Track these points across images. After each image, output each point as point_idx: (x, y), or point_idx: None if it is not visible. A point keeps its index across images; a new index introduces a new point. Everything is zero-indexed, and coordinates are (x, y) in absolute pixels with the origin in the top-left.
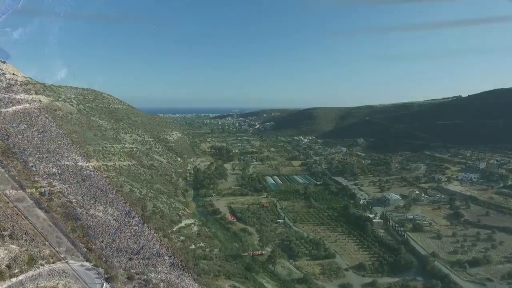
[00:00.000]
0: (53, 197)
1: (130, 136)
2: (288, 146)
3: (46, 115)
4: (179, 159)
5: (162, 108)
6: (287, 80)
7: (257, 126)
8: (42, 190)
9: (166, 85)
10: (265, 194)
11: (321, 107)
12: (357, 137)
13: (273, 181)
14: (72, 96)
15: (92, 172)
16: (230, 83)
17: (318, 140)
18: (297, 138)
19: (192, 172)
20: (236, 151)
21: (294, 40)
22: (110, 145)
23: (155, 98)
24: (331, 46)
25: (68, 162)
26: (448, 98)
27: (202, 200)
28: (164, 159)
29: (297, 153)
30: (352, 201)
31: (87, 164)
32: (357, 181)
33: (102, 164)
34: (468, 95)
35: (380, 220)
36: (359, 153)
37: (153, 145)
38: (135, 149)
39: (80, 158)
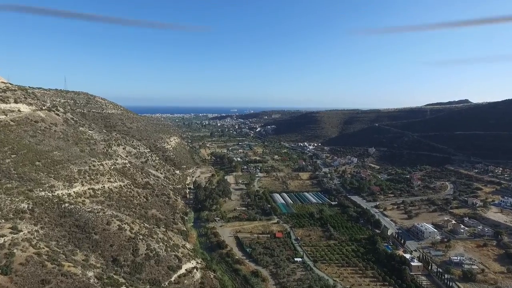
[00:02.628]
0: (15, 249)
1: (123, 149)
2: (293, 154)
3: (25, 128)
4: (177, 171)
5: (161, 107)
6: (285, 79)
7: (258, 129)
8: (1, 240)
9: (165, 84)
10: (275, 218)
11: (323, 109)
12: (367, 145)
13: (282, 200)
14: (62, 101)
15: (73, 205)
16: (228, 83)
17: (325, 148)
18: (301, 144)
19: (192, 187)
20: (239, 159)
21: (295, 39)
22: (99, 163)
23: (154, 97)
24: (336, 46)
25: (43, 193)
26: (453, 102)
27: (205, 227)
28: (161, 173)
29: (304, 163)
30: (377, 231)
31: (69, 192)
32: (377, 203)
33: (88, 189)
34: (488, 102)
35: (420, 263)
36: (372, 164)
37: (149, 157)
38: (128, 165)
39: (61, 183)
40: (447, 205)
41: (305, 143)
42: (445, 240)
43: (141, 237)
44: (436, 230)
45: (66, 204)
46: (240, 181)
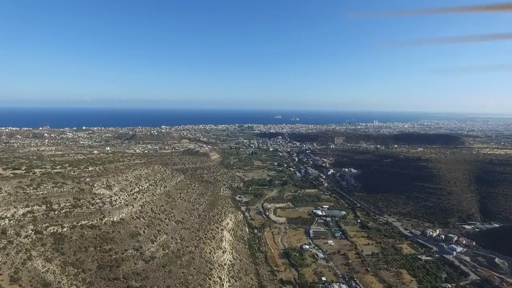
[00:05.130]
0: None
1: None
2: (432, 268)
3: None
4: None
5: (185, 110)
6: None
7: (331, 171)
8: None
9: (204, 87)
10: None
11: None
12: None
13: None
14: None
15: None
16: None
17: (499, 262)
18: (431, 232)
19: None
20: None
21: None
22: None
23: (193, 99)
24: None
25: None
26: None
27: None
28: None
29: None
30: None
31: None
32: None
33: None
34: None
35: None
36: None
37: None
38: None
39: None
40: None
41: (439, 233)
42: None
43: None
44: None
45: None
46: None
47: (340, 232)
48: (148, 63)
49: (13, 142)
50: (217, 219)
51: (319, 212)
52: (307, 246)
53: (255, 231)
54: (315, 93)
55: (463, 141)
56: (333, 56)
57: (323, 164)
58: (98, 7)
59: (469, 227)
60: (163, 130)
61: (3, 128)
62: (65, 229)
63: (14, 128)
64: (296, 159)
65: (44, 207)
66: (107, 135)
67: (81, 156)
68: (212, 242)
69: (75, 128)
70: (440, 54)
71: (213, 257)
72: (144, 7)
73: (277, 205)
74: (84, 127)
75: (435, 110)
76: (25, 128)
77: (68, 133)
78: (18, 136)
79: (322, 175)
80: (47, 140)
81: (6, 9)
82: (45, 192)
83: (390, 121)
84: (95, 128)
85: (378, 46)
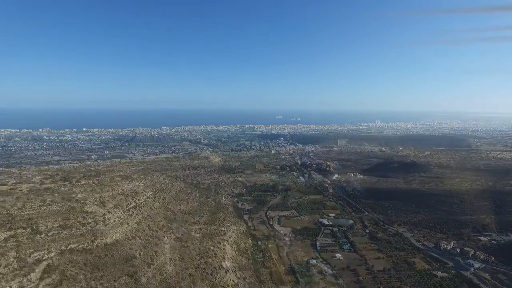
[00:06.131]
0: None
1: None
2: None
3: None
4: None
5: (186, 110)
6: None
7: (336, 175)
8: None
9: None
10: None
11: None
12: None
13: None
14: None
15: None
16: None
17: None
18: (446, 244)
19: None
20: None
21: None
22: None
23: (195, 99)
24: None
25: None
26: None
27: None
28: None
29: None
30: None
31: None
32: None
33: None
34: None
35: None
36: None
37: None
38: None
39: None
40: None
41: (454, 246)
42: None
43: None
44: None
45: None
46: None
47: (349, 244)
48: (148, 62)
49: (10, 146)
50: (219, 231)
51: (325, 221)
52: (314, 261)
53: (259, 243)
54: (316, 93)
55: (470, 143)
56: (333, 55)
57: (327, 168)
58: (98, 7)
59: (485, 239)
60: (163, 132)
61: (2, 130)
62: (52, 254)
63: (13, 130)
64: (299, 162)
65: (29, 229)
66: (107, 137)
67: (76, 163)
68: (213, 260)
69: (75, 130)
70: (437, 55)
71: (215, 278)
72: (145, 7)
73: (281, 213)
74: (84, 129)
75: (436, 109)
76: (25, 130)
77: (68, 135)
78: (16, 138)
79: (326, 179)
80: (45, 143)
81: (5, 9)
82: (31, 212)
83: (392, 121)
84: (95, 129)
85: (398, 46)
